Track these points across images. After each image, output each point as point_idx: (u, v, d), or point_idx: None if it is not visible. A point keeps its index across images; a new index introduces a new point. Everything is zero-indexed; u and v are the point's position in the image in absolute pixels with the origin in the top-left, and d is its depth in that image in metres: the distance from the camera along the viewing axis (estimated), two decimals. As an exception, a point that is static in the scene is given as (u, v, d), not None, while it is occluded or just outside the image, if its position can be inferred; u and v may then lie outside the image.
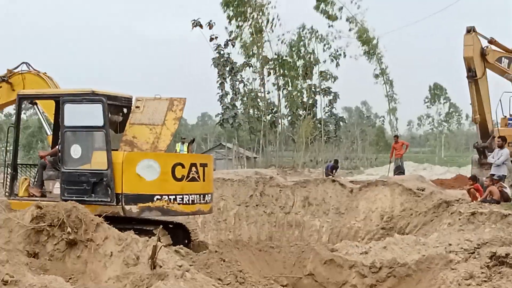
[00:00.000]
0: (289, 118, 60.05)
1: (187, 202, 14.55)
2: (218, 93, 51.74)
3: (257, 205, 21.61)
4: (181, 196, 14.40)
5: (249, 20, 53.87)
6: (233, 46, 52.10)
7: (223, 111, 51.71)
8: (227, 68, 51.29)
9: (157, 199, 14.20)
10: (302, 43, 57.05)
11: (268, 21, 54.23)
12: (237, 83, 52.73)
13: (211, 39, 50.65)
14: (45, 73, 16.57)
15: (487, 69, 22.85)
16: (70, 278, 10.17)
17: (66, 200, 12.70)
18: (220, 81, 51.52)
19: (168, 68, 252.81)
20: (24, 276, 8.06)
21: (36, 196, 14.94)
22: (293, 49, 56.52)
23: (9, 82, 16.40)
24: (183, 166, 14.47)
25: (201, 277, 9.60)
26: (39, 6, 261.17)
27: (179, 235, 15.63)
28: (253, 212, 21.46)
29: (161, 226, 12.34)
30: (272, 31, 54.34)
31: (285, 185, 22.28)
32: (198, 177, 14.74)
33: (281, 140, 58.97)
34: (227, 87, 51.82)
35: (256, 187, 21.97)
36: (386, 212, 20.15)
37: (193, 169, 14.66)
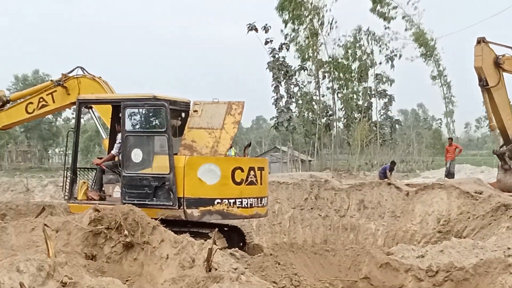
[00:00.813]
0: (344, 121, 59.84)
1: (246, 205, 14.59)
2: (273, 96, 51.77)
3: (312, 208, 21.57)
4: (240, 200, 14.44)
5: (304, 23, 53.87)
6: (287, 49, 52.12)
7: (278, 114, 51.68)
8: (282, 72, 51.29)
9: (218, 202, 14.25)
10: (358, 45, 56.83)
11: (323, 24, 54.20)
12: (292, 86, 52.69)
13: (266, 43, 50.76)
14: (100, 77, 16.79)
15: (505, 76, 22.95)
16: (127, 280, 10.28)
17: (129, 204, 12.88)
18: (275, 85, 51.54)
19: (223, 72, 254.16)
20: (82, 278, 8.19)
21: (94, 200, 15.14)
22: (348, 51, 56.30)
23: (64, 86, 16.64)
24: (242, 170, 14.51)
25: (256, 280, 9.62)
26: (95, 7, 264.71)
27: (234, 238, 15.70)
28: (308, 215, 21.43)
29: (216, 229, 12.41)
30: (328, 34, 54.28)
31: (340, 188, 22.20)
32: (256, 180, 14.76)
33: (336, 143, 58.75)
34: (282, 90, 51.82)
35: (311, 190, 21.94)
36: (442, 216, 19.91)
37: (252, 172, 14.68)
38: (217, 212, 14.28)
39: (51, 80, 16.91)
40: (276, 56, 51.07)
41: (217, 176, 14.32)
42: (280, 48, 51.60)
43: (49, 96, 16.89)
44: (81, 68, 16.84)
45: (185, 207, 14.09)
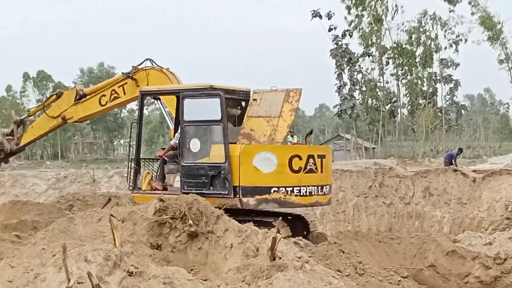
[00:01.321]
0: (409, 107, 59.11)
1: (305, 193, 14.46)
2: (336, 84, 51.55)
3: (376, 196, 21.41)
4: (298, 188, 14.31)
5: (368, 9, 53.38)
6: (351, 36, 51.72)
7: (341, 102, 51.44)
8: (345, 59, 50.91)
9: (274, 191, 14.17)
10: (422, 30, 56.01)
11: (387, 10, 53.58)
12: (355, 73, 52.31)
13: (330, 30, 50.52)
14: (167, 68, 16.93)
15: None
16: (191, 270, 10.35)
17: (186, 193, 12.95)
18: (338, 72, 51.28)
19: (285, 59, 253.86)
20: (148, 267, 8.27)
21: (158, 190, 15.30)
22: (412, 36, 55.53)
23: (133, 79, 16.84)
24: (300, 158, 14.39)
25: (321, 268, 9.56)
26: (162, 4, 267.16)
27: (298, 226, 15.65)
28: (372, 203, 21.28)
29: (280, 218, 12.38)
30: (392, 19, 53.65)
31: (405, 176, 21.97)
32: (316, 168, 14.62)
33: (400, 129, 58.14)
34: (345, 77, 51.51)
35: (375, 177, 21.77)
36: (511, 202, 19.51)
37: (311, 160, 14.56)
38: (274, 200, 14.20)
39: (122, 73, 17.13)
40: (339, 43, 50.70)
41: (274, 164, 14.23)
42: (343, 35, 51.30)
43: (120, 88, 17.11)
44: (150, 60, 16.93)
45: (240, 196, 14.05)
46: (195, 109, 15.07)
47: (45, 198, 29.10)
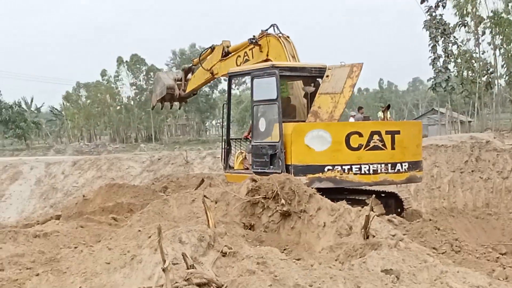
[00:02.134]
0: (506, 78, 57.29)
1: (367, 172, 14.14)
2: (430, 56, 50.28)
3: (472, 171, 20.95)
4: (358, 166, 14.03)
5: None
6: (444, 7, 50.41)
7: (435, 75, 50.21)
8: (439, 30, 49.67)
9: (328, 169, 13.96)
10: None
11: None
12: (450, 45, 50.94)
13: (422, 1, 49.35)
14: (287, 37, 16.62)
15: None
16: (284, 249, 10.39)
17: (256, 173, 13.06)
18: (432, 44, 49.98)
19: (377, 34, 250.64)
20: (242, 247, 8.34)
21: (247, 169, 15.46)
22: (509, 4, 53.71)
23: (258, 44, 16.78)
24: (360, 135, 14.09)
25: (415, 246, 9.45)
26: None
27: (392, 204, 15.48)
28: (468, 178, 20.84)
29: (373, 195, 12.25)
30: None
31: (503, 149, 21.41)
32: (384, 145, 14.28)
33: (497, 101, 56.62)
34: (439, 50, 50.24)
35: (471, 152, 21.31)
36: None
37: (375, 137, 14.21)
38: (328, 179, 13.95)
39: (248, 39, 17.07)
40: (433, 14, 49.50)
41: (328, 142, 14.03)
42: (437, 6, 49.96)
43: (250, 51, 17.19)
44: (275, 26, 16.70)
45: (292, 175, 13.62)
46: (260, 90, 15.30)
47: (140, 181, 29.83)
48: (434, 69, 50.22)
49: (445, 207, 15.62)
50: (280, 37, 16.42)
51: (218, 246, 8.16)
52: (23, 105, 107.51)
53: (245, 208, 11.61)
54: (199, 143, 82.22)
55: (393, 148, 14.40)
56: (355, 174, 14.09)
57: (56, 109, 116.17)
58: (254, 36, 16.71)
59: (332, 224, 10.50)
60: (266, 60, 16.20)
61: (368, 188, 14.75)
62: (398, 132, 14.56)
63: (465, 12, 52.52)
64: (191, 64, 20.60)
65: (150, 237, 8.56)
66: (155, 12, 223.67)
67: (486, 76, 54.75)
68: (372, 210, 9.70)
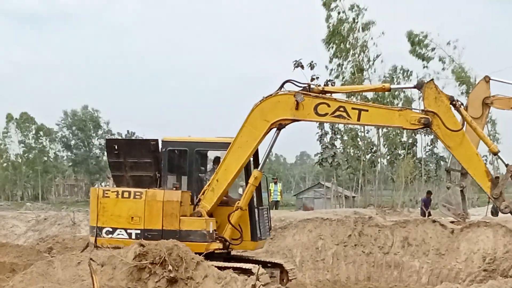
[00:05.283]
0: (388, 157, 59.49)
1: None
2: (318, 132, 51.80)
3: (355, 245, 21.45)
4: None
5: (350, 57, 54.09)
6: (333, 85, 52.20)
7: (322, 151, 51.66)
8: (328, 107, 51.20)
9: None
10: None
11: (369, 60, 54.33)
12: (337, 122, 52.64)
13: (312, 79, 50.85)
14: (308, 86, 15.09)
15: None
16: (170, 315, 10.38)
17: None
18: (319, 120, 51.50)
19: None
20: (127, 312, 8.32)
21: None
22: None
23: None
24: None
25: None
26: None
27: (277, 274, 15.67)
28: (351, 252, 21.30)
29: (259, 265, 12.41)
30: (374, 70, 54.39)
31: (384, 225, 22.05)
32: None
33: (380, 179, 58.42)
34: (327, 126, 51.80)
35: (354, 226, 21.83)
36: (488, 254, 19.63)
37: None
38: None
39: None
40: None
41: None
42: (326, 84, 51.66)
43: None
44: (290, 81, 14.99)
45: None
46: None
47: (24, 240, 28.89)
48: (321, 144, 51.64)
49: (328, 279, 15.99)
50: (297, 92, 14.85)
51: (103, 310, 8.10)
52: None
53: (132, 273, 11.53)
54: (88, 204, 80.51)
55: None
56: None
57: None
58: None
59: (219, 292, 10.57)
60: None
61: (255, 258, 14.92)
62: None
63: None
64: None
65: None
66: (49, 67, 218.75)
67: (370, 155, 56.69)
68: (258, 280, 9.86)
